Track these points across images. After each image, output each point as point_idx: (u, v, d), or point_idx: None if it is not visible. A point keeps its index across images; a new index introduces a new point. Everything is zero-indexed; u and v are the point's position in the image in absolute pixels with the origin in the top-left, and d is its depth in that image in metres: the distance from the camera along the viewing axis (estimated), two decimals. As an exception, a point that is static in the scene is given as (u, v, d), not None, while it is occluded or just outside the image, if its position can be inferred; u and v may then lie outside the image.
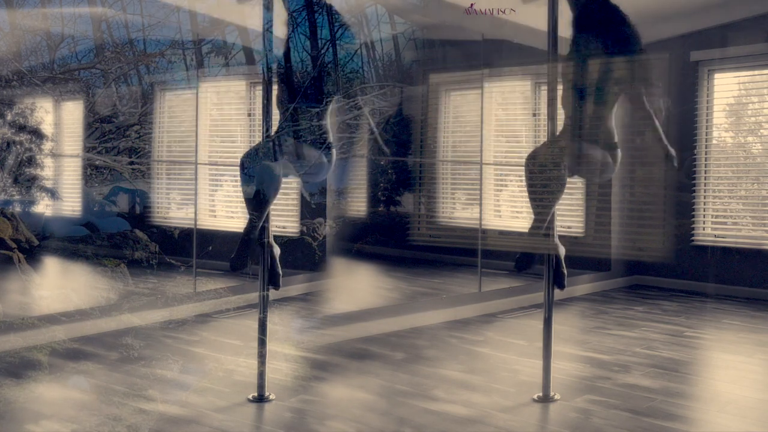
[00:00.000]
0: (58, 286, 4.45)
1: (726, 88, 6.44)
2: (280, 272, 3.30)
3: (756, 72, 6.31)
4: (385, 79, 5.66)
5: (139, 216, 4.99)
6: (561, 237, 3.50)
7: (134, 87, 4.90)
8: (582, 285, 6.23)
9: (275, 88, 3.29)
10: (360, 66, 5.44)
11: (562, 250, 3.38)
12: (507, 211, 6.23)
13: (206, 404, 3.13)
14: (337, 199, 5.42)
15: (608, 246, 6.56)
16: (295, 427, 2.90)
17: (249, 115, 5.38)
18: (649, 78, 3.33)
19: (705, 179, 6.48)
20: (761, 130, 6.35)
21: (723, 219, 6.50)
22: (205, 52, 5.26)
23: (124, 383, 3.35)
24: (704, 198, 6.49)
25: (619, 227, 6.62)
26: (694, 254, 6.49)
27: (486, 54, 5.56)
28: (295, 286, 5.44)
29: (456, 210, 6.09)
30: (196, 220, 5.11)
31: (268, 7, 3.33)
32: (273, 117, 3.29)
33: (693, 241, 6.50)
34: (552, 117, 3.42)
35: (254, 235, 3.22)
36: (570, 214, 6.32)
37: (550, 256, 3.38)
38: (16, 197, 4.27)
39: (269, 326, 3.29)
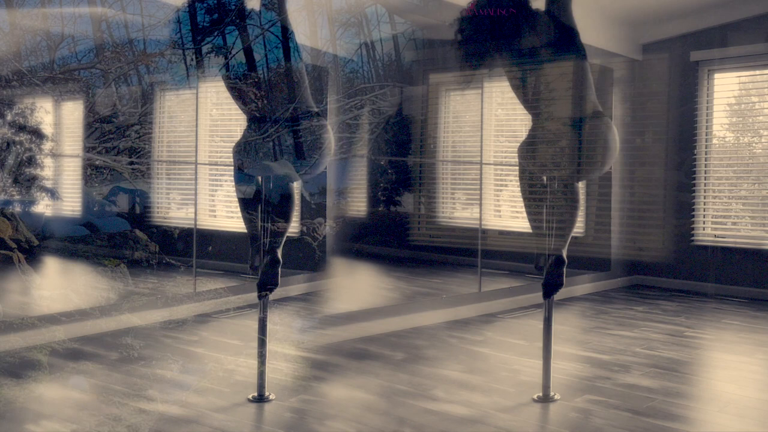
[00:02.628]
0: (58, 286, 4.45)
1: (726, 88, 6.44)
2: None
3: (756, 72, 6.31)
4: (385, 79, 5.66)
5: (139, 216, 4.99)
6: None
7: (134, 87, 4.91)
8: (582, 285, 6.23)
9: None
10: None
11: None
12: (507, 211, 6.23)
13: (206, 404, 3.13)
14: (337, 199, 5.42)
15: (608, 246, 6.56)
16: (295, 427, 2.90)
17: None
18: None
19: (705, 179, 6.48)
20: (762, 131, 6.35)
21: (723, 219, 6.50)
22: (205, 52, 5.25)
23: (124, 383, 3.35)
24: (704, 198, 6.49)
25: (619, 227, 6.62)
26: (694, 254, 6.49)
27: (486, 54, 5.54)
28: (295, 286, 5.43)
29: (456, 210, 6.09)
30: (196, 220, 5.11)
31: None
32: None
33: (693, 241, 6.50)
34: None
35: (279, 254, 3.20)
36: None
37: (550, 257, 3.38)
38: (16, 197, 4.27)
39: (269, 326, 3.29)
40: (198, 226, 5.11)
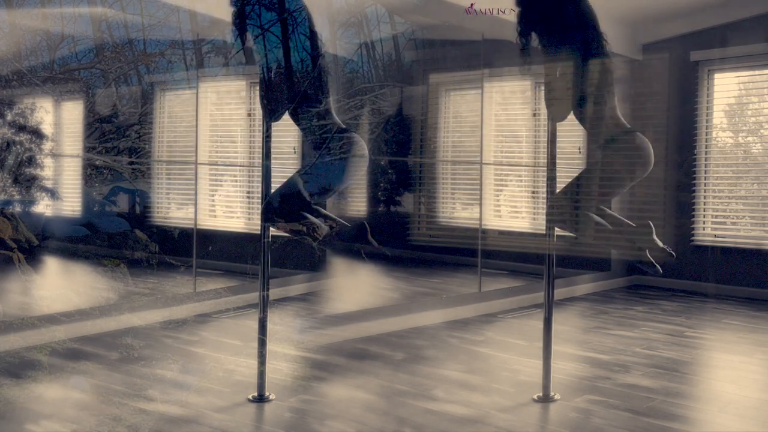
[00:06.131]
0: (58, 286, 4.45)
1: (726, 88, 6.44)
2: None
3: (756, 72, 6.31)
4: (385, 79, 5.66)
5: (139, 216, 4.99)
6: (560, 237, 3.50)
7: (134, 87, 4.91)
8: (582, 285, 6.23)
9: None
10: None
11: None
12: (507, 211, 6.23)
13: (206, 404, 3.13)
14: (337, 199, 5.42)
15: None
16: (295, 427, 2.90)
17: (249, 115, 5.38)
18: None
19: (705, 179, 6.48)
20: (761, 130, 6.35)
21: (723, 219, 6.50)
22: (205, 52, 5.25)
23: (124, 383, 3.35)
24: (704, 198, 6.49)
25: (619, 227, 6.61)
26: (694, 254, 6.48)
27: (486, 54, 5.55)
28: (295, 286, 5.44)
29: (456, 210, 6.08)
30: (196, 220, 5.11)
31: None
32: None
33: (693, 241, 6.49)
34: (552, 117, 3.42)
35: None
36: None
37: (549, 255, 3.38)
38: (16, 197, 4.27)
39: (269, 326, 3.29)
40: (198, 226, 5.11)
